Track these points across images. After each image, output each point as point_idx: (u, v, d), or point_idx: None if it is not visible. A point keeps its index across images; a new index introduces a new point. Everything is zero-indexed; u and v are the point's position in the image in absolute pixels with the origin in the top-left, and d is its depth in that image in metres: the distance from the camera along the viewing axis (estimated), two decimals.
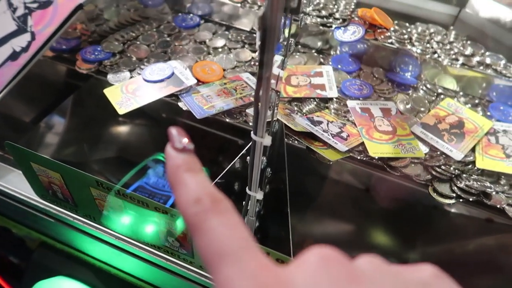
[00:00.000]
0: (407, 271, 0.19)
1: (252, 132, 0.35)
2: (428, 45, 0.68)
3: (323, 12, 0.71)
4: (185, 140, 0.22)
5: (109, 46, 0.68)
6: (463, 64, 0.64)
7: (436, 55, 0.66)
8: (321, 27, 0.68)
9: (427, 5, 0.76)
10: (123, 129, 0.65)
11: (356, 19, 0.69)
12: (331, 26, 0.68)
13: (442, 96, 0.64)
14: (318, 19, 0.69)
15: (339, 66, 0.67)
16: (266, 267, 0.17)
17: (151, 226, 0.43)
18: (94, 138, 0.64)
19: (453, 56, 0.66)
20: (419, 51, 0.66)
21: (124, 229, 0.46)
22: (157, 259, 0.47)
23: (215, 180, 0.46)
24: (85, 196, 0.43)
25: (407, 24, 0.72)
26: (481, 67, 0.64)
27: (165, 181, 0.56)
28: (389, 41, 0.67)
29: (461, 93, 0.65)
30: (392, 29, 0.69)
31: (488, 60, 0.65)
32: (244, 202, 0.43)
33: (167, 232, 0.41)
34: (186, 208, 0.19)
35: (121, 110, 0.56)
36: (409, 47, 0.66)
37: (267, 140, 0.35)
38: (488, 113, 0.62)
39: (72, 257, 0.55)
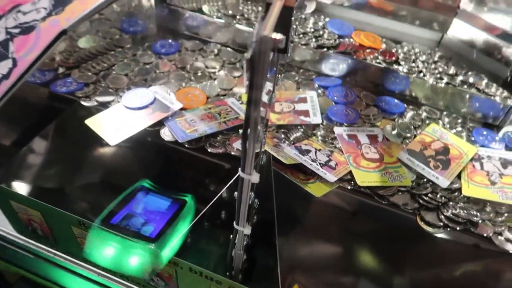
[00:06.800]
0: None
1: (240, 169, 0.34)
2: (413, 64, 0.69)
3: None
4: None
5: (82, 76, 0.65)
6: (447, 83, 0.66)
7: (421, 74, 0.67)
8: (315, 50, 0.70)
9: (412, 31, 0.78)
10: (105, 157, 0.64)
11: (346, 40, 0.70)
12: (324, 47, 0.70)
13: (427, 121, 0.64)
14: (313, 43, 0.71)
15: (335, 98, 0.66)
16: None
17: (136, 261, 0.41)
18: (75, 167, 0.62)
19: (438, 75, 0.67)
20: (405, 70, 0.67)
21: (107, 265, 0.44)
22: None
23: (201, 213, 0.45)
24: (66, 234, 0.41)
25: (394, 44, 0.75)
26: (465, 86, 0.66)
27: (149, 209, 0.55)
28: (377, 61, 0.68)
29: (445, 113, 0.67)
30: (380, 50, 0.71)
31: (471, 79, 0.67)
32: (231, 236, 0.42)
33: (152, 271, 0.40)
34: None
35: (112, 141, 0.54)
36: (395, 66, 0.67)
37: (255, 178, 0.34)
38: (472, 138, 0.62)
39: None
